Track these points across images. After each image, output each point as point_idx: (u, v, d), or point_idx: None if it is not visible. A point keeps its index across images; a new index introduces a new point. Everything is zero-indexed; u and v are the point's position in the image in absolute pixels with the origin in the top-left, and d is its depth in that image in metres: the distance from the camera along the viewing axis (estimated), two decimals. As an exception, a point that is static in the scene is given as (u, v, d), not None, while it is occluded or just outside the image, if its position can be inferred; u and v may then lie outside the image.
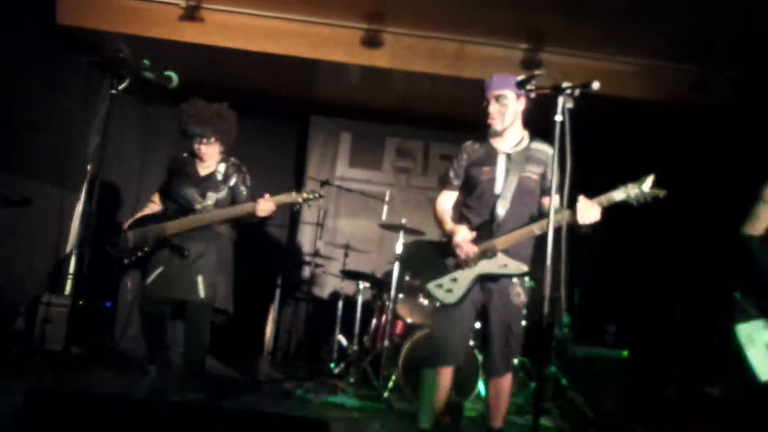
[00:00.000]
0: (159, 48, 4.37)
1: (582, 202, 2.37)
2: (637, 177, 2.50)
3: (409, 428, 3.38)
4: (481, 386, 3.94)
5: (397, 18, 4.26)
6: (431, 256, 2.71)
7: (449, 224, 2.69)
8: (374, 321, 4.43)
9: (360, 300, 4.67)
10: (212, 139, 3.41)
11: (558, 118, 2.10)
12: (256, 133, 5.55)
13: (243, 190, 3.48)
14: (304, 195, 3.24)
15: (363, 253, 5.13)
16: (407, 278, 4.27)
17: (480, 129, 2.78)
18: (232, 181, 3.46)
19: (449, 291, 2.58)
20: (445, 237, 2.68)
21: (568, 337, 4.39)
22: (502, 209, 2.57)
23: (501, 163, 2.64)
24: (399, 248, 4.23)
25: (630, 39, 4.19)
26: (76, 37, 4.49)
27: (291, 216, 5.90)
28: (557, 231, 2.19)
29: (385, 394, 3.81)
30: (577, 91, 2.08)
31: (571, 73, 3.65)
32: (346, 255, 4.94)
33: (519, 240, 2.54)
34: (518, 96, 2.61)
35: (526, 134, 2.72)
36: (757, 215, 2.69)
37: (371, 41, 4.33)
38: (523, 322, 2.84)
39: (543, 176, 2.66)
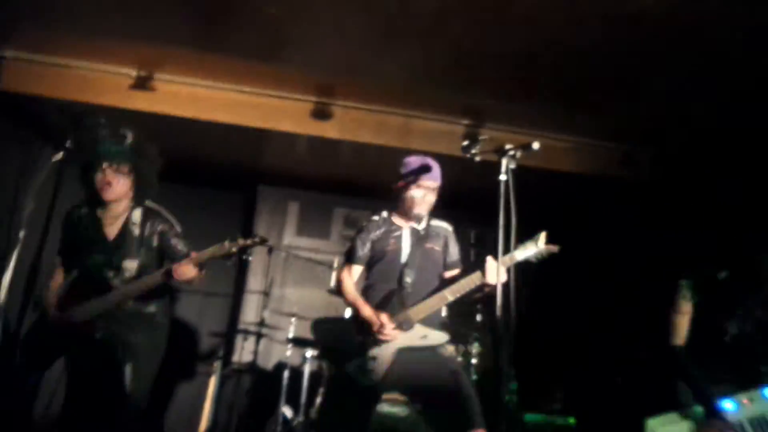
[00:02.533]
0: (108, 116, 4.38)
1: (490, 262, 2.44)
2: (573, 247, 2.64)
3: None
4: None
5: (346, 92, 4.48)
6: (341, 335, 2.61)
7: (366, 309, 2.58)
8: (321, 390, 4.30)
9: (307, 369, 4.55)
10: (126, 168, 2.66)
11: (502, 177, 2.24)
12: (202, 203, 5.53)
13: (177, 244, 2.75)
14: (240, 242, 2.61)
15: (310, 321, 5.04)
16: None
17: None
18: (155, 238, 2.74)
19: (371, 372, 2.47)
20: (360, 318, 2.58)
21: (516, 404, 4.39)
22: (409, 278, 2.60)
23: (406, 235, 2.72)
24: (347, 314, 4.21)
25: (561, 118, 4.57)
26: (17, 103, 4.45)
27: (236, 284, 5.79)
28: (506, 296, 2.25)
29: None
30: (519, 153, 2.23)
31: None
32: (293, 323, 4.85)
33: (433, 308, 2.53)
34: None
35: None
36: (676, 325, 2.83)
37: (321, 113, 4.52)
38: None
39: (445, 251, 2.75)
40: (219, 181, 5.76)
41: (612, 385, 4.55)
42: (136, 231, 2.72)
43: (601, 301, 5.24)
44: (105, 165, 2.64)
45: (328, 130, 4.58)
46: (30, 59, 4.29)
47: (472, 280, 2.47)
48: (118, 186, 2.67)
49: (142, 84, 4.39)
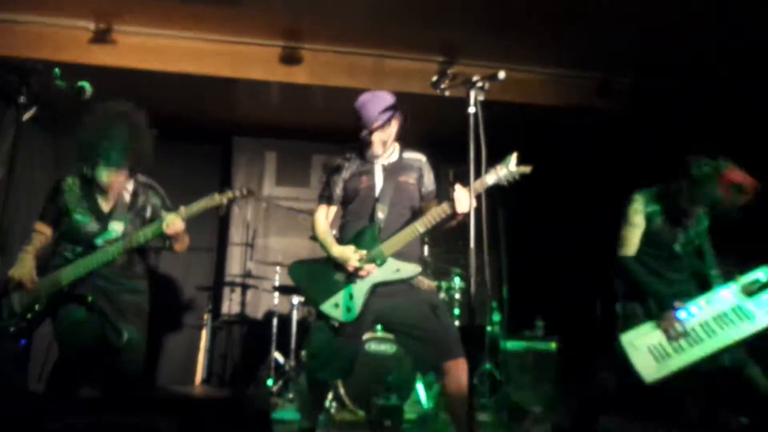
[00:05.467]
0: (69, 73, 4.23)
1: (458, 191, 2.40)
2: (550, 179, 2.63)
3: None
4: (419, 388, 4.00)
5: (314, 35, 4.36)
6: (318, 275, 2.60)
7: (335, 248, 2.59)
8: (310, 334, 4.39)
9: (295, 316, 4.63)
10: (125, 168, 2.76)
11: (471, 110, 2.22)
12: (177, 158, 5.44)
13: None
14: (229, 194, 2.77)
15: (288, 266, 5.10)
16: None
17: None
18: (148, 210, 2.88)
19: (348, 309, 2.48)
20: (332, 256, 2.60)
21: (499, 333, 4.53)
22: (381, 213, 2.58)
23: (378, 171, 2.68)
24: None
25: (536, 50, 4.49)
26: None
27: (219, 238, 5.79)
28: (478, 228, 2.26)
29: (326, 406, 3.78)
30: (486, 83, 2.21)
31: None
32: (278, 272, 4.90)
33: (405, 241, 2.52)
34: (393, 114, 2.66)
35: (397, 145, 2.78)
36: (627, 237, 2.93)
37: (290, 58, 4.41)
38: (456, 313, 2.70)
39: (420, 182, 2.72)
40: (193, 135, 5.64)
41: (592, 312, 4.68)
42: (127, 198, 2.85)
43: (579, 231, 5.33)
44: (107, 170, 2.72)
45: (299, 75, 4.48)
46: (-22, 16, 4.10)
47: (442, 209, 2.46)
48: (119, 184, 2.80)
49: (101, 37, 4.24)
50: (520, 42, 4.37)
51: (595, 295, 4.82)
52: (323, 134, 5.63)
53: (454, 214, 2.45)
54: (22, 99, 2.30)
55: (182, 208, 2.77)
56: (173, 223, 2.71)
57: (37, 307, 2.71)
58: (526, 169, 2.47)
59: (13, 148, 2.44)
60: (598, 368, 4.26)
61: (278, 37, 4.37)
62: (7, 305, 2.72)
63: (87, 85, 2.50)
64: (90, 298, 2.71)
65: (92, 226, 2.78)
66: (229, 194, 2.78)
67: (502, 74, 2.18)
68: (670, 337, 2.73)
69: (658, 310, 2.80)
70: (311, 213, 4.82)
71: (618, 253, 2.95)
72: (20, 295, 2.72)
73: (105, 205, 2.84)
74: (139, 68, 4.35)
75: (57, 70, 2.41)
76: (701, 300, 2.80)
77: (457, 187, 2.41)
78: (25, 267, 2.73)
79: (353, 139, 2.78)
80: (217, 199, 2.77)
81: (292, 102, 5.07)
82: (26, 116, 2.44)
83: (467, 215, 2.27)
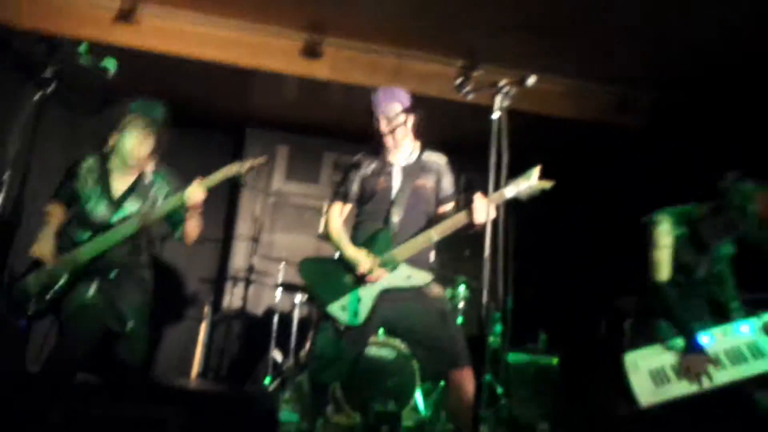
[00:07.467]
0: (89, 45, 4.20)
1: (477, 200, 2.35)
2: (566, 193, 2.55)
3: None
4: (418, 396, 3.93)
5: (337, 29, 4.31)
6: (327, 274, 2.54)
7: (350, 248, 2.54)
8: (311, 334, 4.33)
9: (296, 314, 4.57)
10: (155, 133, 2.80)
11: (495, 115, 2.16)
12: (190, 145, 5.41)
13: None
14: (248, 164, 2.77)
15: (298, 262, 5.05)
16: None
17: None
18: (160, 198, 2.83)
19: (354, 313, 2.43)
20: (344, 257, 2.55)
21: (501, 345, 4.45)
22: (396, 217, 2.53)
23: (396, 173, 2.63)
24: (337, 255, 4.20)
25: (558, 60, 4.43)
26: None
27: (225, 230, 5.75)
28: (494, 239, 2.20)
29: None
30: (513, 89, 2.15)
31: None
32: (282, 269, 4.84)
33: (419, 248, 2.47)
34: (407, 110, 2.61)
35: (417, 145, 2.73)
36: (659, 260, 2.76)
37: (311, 51, 4.36)
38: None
39: (438, 185, 2.66)
40: (207, 123, 5.61)
41: (596, 329, 4.59)
42: (146, 181, 2.85)
43: (589, 249, 5.25)
44: (141, 127, 2.76)
45: (319, 69, 4.43)
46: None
47: (458, 219, 2.41)
48: (146, 149, 2.80)
49: (125, 16, 4.19)
50: (542, 50, 4.30)
51: (601, 313, 4.74)
52: (337, 132, 5.59)
53: (470, 224, 2.38)
54: (47, 73, 2.26)
55: (201, 179, 2.72)
56: (194, 192, 2.67)
57: (57, 286, 2.65)
58: (547, 184, 2.38)
59: (33, 123, 2.41)
60: (601, 388, 4.18)
61: (301, 28, 4.32)
62: (21, 287, 2.66)
63: (111, 65, 2.45)
64: (112, 274, 2.69)
65: (103, 210, 2.75)
66: (248, 163, 2.77)
67: (531, 80, 2.11)
68: (689, 377, 2.57)
69: (674, 339, 2.68)
70: (319, 211, 4.83)
71: (652, 279, 2.77)
72: (37, 275, 2.66)
73: (121, 187, 2.80)
74: (160, 51, 4.31)
75: (83, 46, 2.37)
76: (718, 331, 2.68)
77: (477, 196, 2.35)
78: (45, 245, 2.68)
79: (368, 139, 2.73)
80: (235, 167, 2.76)
81: (309, 96, 5.02)
82: (39, 94, 2.41)
83: (483, 225, 2.20)
